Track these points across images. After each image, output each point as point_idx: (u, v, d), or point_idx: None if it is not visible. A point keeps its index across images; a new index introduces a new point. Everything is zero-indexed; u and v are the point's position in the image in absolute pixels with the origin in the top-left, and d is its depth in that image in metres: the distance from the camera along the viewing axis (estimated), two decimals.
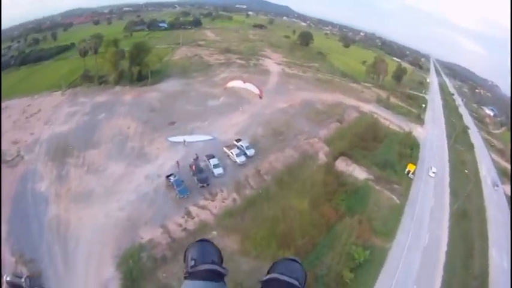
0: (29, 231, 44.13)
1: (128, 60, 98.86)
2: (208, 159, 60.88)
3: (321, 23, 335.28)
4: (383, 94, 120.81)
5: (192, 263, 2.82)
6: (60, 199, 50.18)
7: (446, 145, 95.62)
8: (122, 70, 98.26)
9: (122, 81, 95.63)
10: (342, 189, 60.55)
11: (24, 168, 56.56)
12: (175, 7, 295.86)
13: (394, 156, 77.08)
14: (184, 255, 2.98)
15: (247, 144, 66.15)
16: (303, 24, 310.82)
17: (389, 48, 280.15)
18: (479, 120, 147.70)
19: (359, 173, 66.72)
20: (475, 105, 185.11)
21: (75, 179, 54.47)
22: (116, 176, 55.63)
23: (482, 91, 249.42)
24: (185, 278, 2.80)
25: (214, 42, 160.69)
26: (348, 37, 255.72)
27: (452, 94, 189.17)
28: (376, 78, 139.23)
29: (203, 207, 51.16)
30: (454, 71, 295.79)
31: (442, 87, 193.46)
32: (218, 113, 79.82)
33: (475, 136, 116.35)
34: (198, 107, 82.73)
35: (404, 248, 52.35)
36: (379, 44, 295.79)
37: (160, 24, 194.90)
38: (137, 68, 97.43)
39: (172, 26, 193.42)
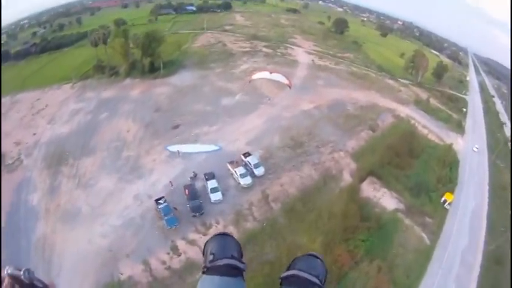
0: (18, 249, 40.90)
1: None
2: (206, 180, 49.39)
3: (357, 9, 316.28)
4: (422, 94, 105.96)
5: (211, 257, 2.65)
6: (49, 215, 46.02)
7: (487, 162, 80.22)
8: (134, 61, 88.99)
9: (134, 73, 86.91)
10: (364, 226, 48.45)
11: (22, 175, 53.19)
12: None
13: (431, 177, 63.76)
14: (204, 249, 2.79)
15: (256, 161, 53.39)
16: (339, 9, 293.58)
17: (427, 39, 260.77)
18: None
19: (388, 201, 53.77)
20: None
21: (65, 193, 49.52)
22: (105, 194, 49.04)
23: None
24: (203, 272, 2.63)
25: (242, 28, 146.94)
26: (385, 25, 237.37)
27: (493, 96, 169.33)
28: (415, 74, 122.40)
29: (192, 243, 42.32)
30: (491, 68, 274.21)
31: (482, 87, 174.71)
32: (230, 114, 67.78)
33: None
34: (208, 106, 70.87)
35: None
36: (417, 34, 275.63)
37: (188, 8, 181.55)
38: (148, 59, 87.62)
39: (201, 9, 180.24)
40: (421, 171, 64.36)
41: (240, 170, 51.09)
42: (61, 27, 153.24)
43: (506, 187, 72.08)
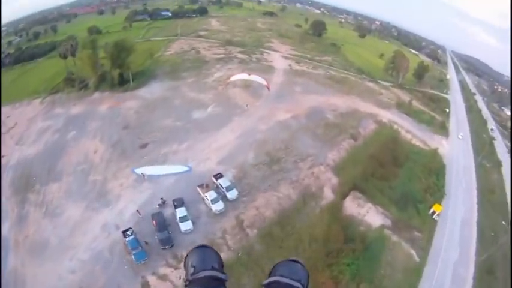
0: None
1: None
2: (175, 208, 44.62)
3: (335, 11, 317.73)
4: (403, 96, 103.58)
5: (192, 270, 2.66)
6: (18, 247, 42.48)
7: (473, 164, 78.18)
8: (104, 73, 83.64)
9: (103, 86, 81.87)
10: (348, 248, 44.27)
11: None
12: None
13: (417, 186, 60.57)
14: (185, 262, 2.81)
15: (228, 184, 48.45)
16: (317, 11, 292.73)
17: (405, 38, 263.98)
18: (502, 125, 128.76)
19: (373, 217, 49.88)
20: (495, 105, 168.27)
21: (33, 223, 45.71)
22: (72, 223, 44.95)
23: (500, 87, 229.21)
24: (185, 286, 2.64)
25: (217, 33, 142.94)
26: (363, 26, 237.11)
27: (474, 94, 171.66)
28: (396, 75, 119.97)
29: (163, 278, 38.38)
30: (470, 64, 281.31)
31: (463, 85, 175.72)
32: (202, 129, 62.73)
33: (501, 148, 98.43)
34: (179, 121, 65.86)
35: None
36: (396, 34, 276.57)
37: (164, 13, 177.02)
38: (117, 71, 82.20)
39: (176, 14, 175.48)
40: (407, 181, 61.07)
41: (211, 194, 46.24)
42: (36, 35, 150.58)
43: (494, 190, 70.80)
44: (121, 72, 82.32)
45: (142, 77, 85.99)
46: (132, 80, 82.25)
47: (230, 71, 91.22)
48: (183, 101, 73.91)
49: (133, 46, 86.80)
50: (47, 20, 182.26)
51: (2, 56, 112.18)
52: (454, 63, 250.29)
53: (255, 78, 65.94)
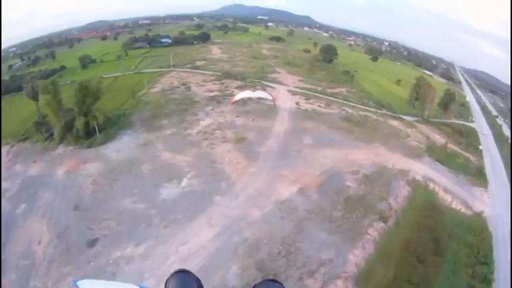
0: None
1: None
2: None
3: (343, 33, 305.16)
4: (432, 135, 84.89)
5: None
6: None
7: None
8: (71, 120, 65.61)
9: (69, 137, 64.40)
10: None
11: None
12: (194, 19, 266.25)
13: (463, 284, 40.26)
14: (165, 287, 2.77)
15: None
16: (325, 34, 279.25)
17: (416, 58, 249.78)
18: None
19: None
20: None
21: None
22: None
23: None
24: None
25: (216, 63, 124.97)
26: (374, 48, 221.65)
27: (496, 116, 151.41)
28: (420, 107, 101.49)
29: None
30: (481, 80, 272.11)
31: (483, 107, 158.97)
32: (169, 219, 41.73)
33: None
34: (141, 202, 44.97)
35: None
36: (405, 53, 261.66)
37: (163, 40, 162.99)
38: (82, 120, 63.66)
39: (177, 41, 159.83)
40: (451, 275, 41.05)
41: None
42: (36, 61, 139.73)
43: None
44: (87, 121, 64.09)
45: (113, 127, 67.63)
46: (99, 131, 63.95)
47: (222, 116, 71.90)
48: (153, 167, 53.34)
49: (100, 89, 68.31)
50: (52, 43, 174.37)
51: None
52: (466, 81, 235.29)
53: (260, 94, 64.52)
